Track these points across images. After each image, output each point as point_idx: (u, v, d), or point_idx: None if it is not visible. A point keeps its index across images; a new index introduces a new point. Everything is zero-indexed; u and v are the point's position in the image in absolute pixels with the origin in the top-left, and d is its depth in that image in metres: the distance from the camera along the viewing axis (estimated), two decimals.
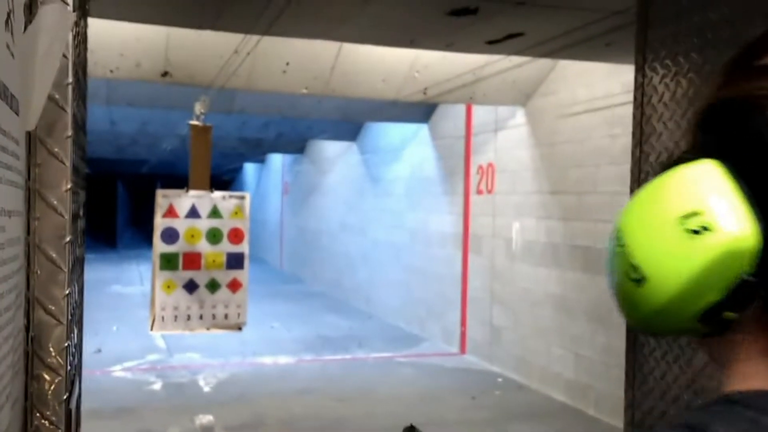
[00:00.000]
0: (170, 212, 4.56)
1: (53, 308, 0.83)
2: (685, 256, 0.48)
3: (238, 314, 4.76)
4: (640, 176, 2.01)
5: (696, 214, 0.48)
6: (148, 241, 4.61)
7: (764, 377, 0.51)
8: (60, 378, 0.84)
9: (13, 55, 0.63)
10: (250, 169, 20.58)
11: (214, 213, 4.67)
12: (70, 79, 0.85)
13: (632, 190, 2.03)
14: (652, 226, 0.50)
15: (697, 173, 0.49)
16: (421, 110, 8.46)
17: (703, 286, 0.48)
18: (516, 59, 5.52)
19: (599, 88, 5.65)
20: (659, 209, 0.51)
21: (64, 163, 0.83)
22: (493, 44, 4.62)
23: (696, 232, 0.48)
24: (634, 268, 0.51)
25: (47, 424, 0.83)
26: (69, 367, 0.89)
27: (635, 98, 2.07)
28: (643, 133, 1.98)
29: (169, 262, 4.55)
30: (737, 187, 0.48)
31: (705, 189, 0.48)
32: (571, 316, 5.96)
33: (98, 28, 4.84)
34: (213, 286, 4.66)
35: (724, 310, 0.49)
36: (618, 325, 4.82)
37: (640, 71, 2.05)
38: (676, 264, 0.48)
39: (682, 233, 0.48)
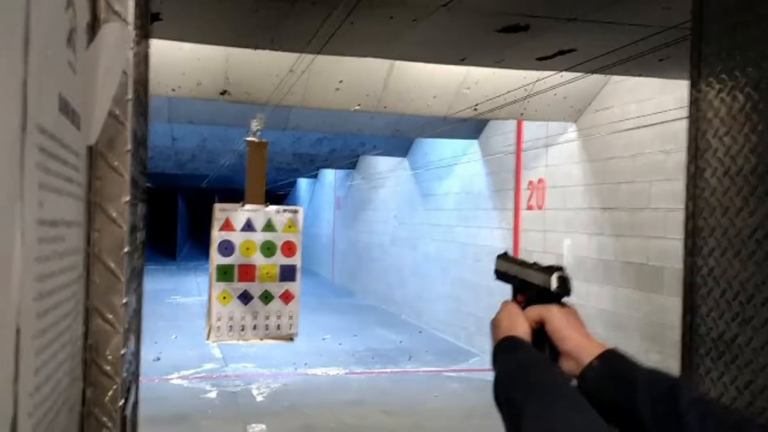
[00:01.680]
0: (227, 225, 4.74)
1: (111, 317, 0.85)
2: None
3: (291, 325, 4.90)
4: (695, 192, 1.97)
5: None
6: (205, 253, 4.80)
7: None
8: (116, 385, 0.85)
9: (75, 71, 0.65)
10: (303, 184, 20.93)
11: (269, 226, 4.83)
12: (130, 96, 0.87)
13: (687, 207, 2.02)
14: None
15: None
16: (472, 126, 8.51)
17: None
18: (567, 75, 5.53)
19: (652, 104, 5.60)
20: None
21: (123, 177, 0.85)
22: (543, 60, 4.65)
23: None
24: None
25: (103, 428, 0.84)
26: (125, 374, 0.91)
27: (690, 113, 2.02)
28: (698, 148, 1.93)
29: (225, 273, 4.72)
30: None
31: None
32: (624, 333, 5.89)
33: (162, 48, 5.10)
34: (266, 297, 4.81)
35: None
36: (672, 343, 4.76)
37: (695, 86, 2.00)
38: None
39: None
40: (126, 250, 0.84)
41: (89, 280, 0.82)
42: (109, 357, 0.84)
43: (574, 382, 0.93)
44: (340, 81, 5.78)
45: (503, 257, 1.21)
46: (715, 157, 1.75)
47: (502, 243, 8.10)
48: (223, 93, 5.66)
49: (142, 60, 1.24)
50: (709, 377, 1.78)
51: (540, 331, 1.02)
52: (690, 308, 1.76)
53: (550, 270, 1.05)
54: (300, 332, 4.93)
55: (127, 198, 0.85)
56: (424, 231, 10.68)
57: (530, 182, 7.58)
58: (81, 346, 0.80)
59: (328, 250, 17.24)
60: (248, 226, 4.79)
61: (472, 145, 9.09)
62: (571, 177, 6.78)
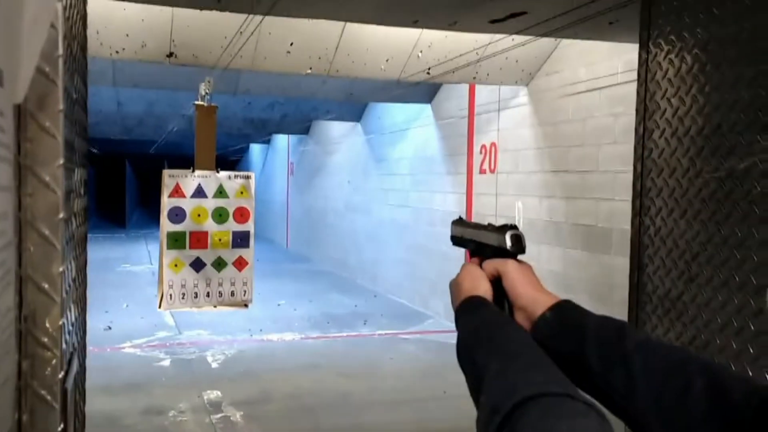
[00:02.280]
0: (177, 192, 4.64)
1: (47, 286, 0.81)
2: None
3: (245, 292, 4.86)
4: (644, 153, 2.01)
5: None
6: (156, 220, 4.71)
7: None
8: (55, 357, 0.82)
9: None
10: (255, 149, 20.64)
11: (220, 192, 4.74)
12: (61, 52, 0.81)
13: (635, 168, 2.05)
14: None
15: None
16: (425, 90, 8.48)
17: None
18: (519, 38, 5.53)
19: (601, 68, 5.67)
20: None
21: (55, 138, 0.80)
22: (496, 23, 4.64)
23: None
24: None
25: (42, 403, 0.81)
26: (65, 346, 0.87)
27: (639, 75, 2.04)
28: (647, 110, 1.96)
29: (176, 241, 4.64)
30: None
31: None
32: (573, 294, 6.03)
33: (104, 7, 4.90)
34: (219, 264, 4.75)
35: None
36: (619, 302, 4.90)
37: (644, 47, 2.01)
38: None
39: None
40: (61, 216, 0.79)
41: (22, 247, 0.78)
42: (47, 328, 0.80)
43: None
44: (291, 44, 5.67)
45: (458, 222, 1.22)
46: (663, 119, 1.78)
47: (455, 207, 8.17)
48: (170, 55, 5.48)
49: (77, 15, 1.17)
50: (655, 333, 1.84)
51: (497, 285, 1.03)
52: (637, 267, 1.80)
53: (503, 229, 1.06)
54: (255, 298, 4.89)
55: (61, 161, 0.80)
56: (378, 196, 10.68)
57: (483, 146, 7.62)
58: (14, 317, 0.75)
59: (282, 217, 17.12)
60: (199, 193, 4.70)
61: (425, 110, 9.07)
62: (522, 140, 6.85)
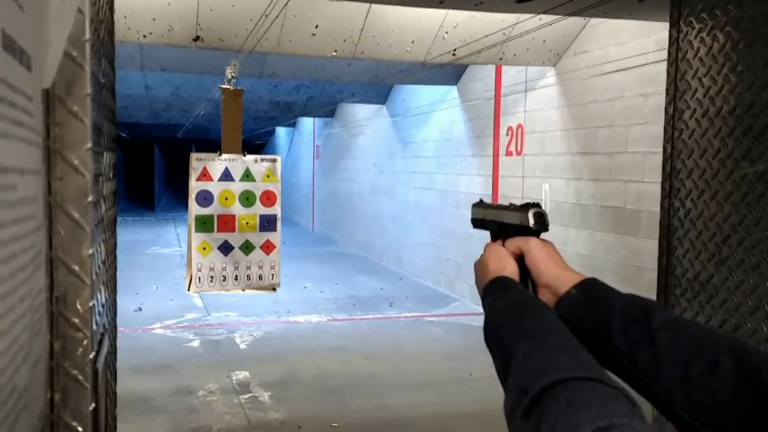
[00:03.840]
0: (204, 175, 4.68)
1: (77, 268, 0.82)
2: None
3: (272, 275, 4.91)
4: (674, 134, 1.96)
5: None
6: (184, 203, 4.76)
7: None
8: (86, 338, 0.83)
9: (22, 8, 0.60)
10: (281, 132, 20.71)
11: (247, 176, 4.78)
12: (88, 36, 0.81)
13: (665, 149, 2.01)
14: None
15: None
16: (451, 72, 8.41)
17: None
18: (546, 18, 5.45)
19: (631, 47, 5.56)
20: None
21: (84, 122, 0.81)
22: (522, 3, 4.57)
23: None
24: None
25: (73, 383, 0.83)
26: (95, 327, 0.88)
27: (669, 54, 1.99)
28: (677, 89, 1.91)
29: (204, 224, 4.69)
30: None
31: None
32: (600, 276, 5.96)
33: None
34: (247, 247, 4.80)
35: None
36: (648, 285, 4.85)
37: (675, 26, 1.96)
38: None
39: None
40: (90, 199, 0.81)
41: (52, 230, 0.79)
42: (78, 309, 0.81)
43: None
44: (316, 26, 5.65)
45: (479, 205, 1.21)
46: (694, 99, 1.74)
47: (481, 189, 8.12)
48: (196, 39, 5.51)
49: (104, 0, 1.18)
50: (685, 317, 1.82)
51: (520, 264, 1.03)
52: (666, 250, 1.78)
53: (526, 207, 1.05)
54: (281, 281, 4.94)
55: (89, 145, 0.81)
56: (403, 179, 10.66)
57: (509, 128, 7.55)
58: (45, 298, 0.77)
59: (308, 199, 17.20)
60: (226, 176, 4.74)
61: (450, 92, 9.00)
62: (550, 122, 6.76)
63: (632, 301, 0.89)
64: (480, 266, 1.06)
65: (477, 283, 1.07)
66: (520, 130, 7.34)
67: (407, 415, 4.85)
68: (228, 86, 4.67)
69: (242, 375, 5.64)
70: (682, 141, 1.74)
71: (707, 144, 1.69)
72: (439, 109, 9.41)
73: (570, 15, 4.93)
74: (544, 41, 6.26)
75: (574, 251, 6.33)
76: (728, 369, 0.75)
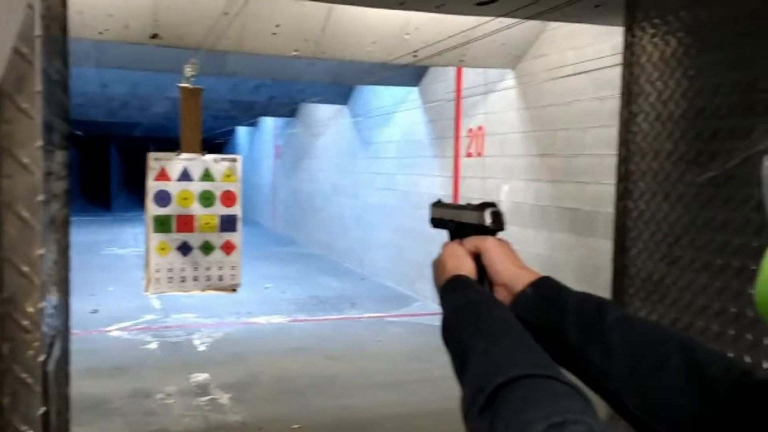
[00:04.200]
0: (162, 175, 4.61)
1: (27, 269, 0.79)
2: None
3: (233, 276, 4.86)
4: (628, 137, 2.02)
5: None
6: (142, 203, 4.67)
7: None
8: (36, 339, 0.80)
9: None
10: (242, 132, 20.52)
11: (207, 176, 4.72)
12: (39, 32, 0.78)
13: (619, 151, 2.05)
14: None
15: None
16: (412, 73, 8.45)
17: None
18: (506, 21, 5.51)
19: (588, 51, 5.67)
20: None
21: (34, 120, 0.78)
22: (482, 6, 4.62)
23: None
24: None
25: (23, 387, 0.80)
26: (46, 329, 0.85)
27: (624, 58, 2.04)
28: (631, 93, 1.97)
29: (162, 224, 4.62)
30: None
31: None
32: (559, 277, 6.04)
33: None
34: (207, 248, 4.74)
35: None
36: (604, 285, 4.94)
37: (629, 31, 2.02)
38: None
39: None
40: (40, 198, 0.78)
41: (1, 230, 0.76)
42: (28, 311, 0.79)
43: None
44: (277, 25, 5.61)
45: (437, 204, 1.22)
46: (648, 102, 1.78)
47: (442, 190, 8.18)
48: (154, 36, 5.42)
49: None
50: (636, 315, 1.86)
51: (477, 263, 1.03)
52: (621, 250, 1.82)
53: (483, 207, 1.06)
54: (242, 282, 4.90)
55: (40, 143, 0.78)
56: (365, 179, 10.67)
57: (470, 129, 7.62)
58: None
59: (269, 200, 17.07)
60: (185, 176, 4.68)
61: (412, 93, 9.04)
62: (509, 124, 6.85)
63: (586, 299, 0.91)
64: (437, 265, 1.07)
65: (435, 282, 1.07)
66: (480, 132, 7.42)
67: (369, 416, 4.85)
68: (187, 85, 4.61)
69: (201, 377, 5.57)
70: (635, 144, 1.78)
71: (660, 147, 1.74)
72: (400, 111, 9.44)
73: (528, 19, 5.01)
74: (503, 44, 6.34)
75: (534, 252, 6.42)
76: (676, 365, 0.77)
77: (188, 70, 4.68)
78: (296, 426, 4.59)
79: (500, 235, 1.08)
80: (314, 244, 13.15)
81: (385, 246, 9.88)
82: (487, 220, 1.05)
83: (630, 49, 1.88)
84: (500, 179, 7.01)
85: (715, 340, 1.66)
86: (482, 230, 1.06)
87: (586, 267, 5.67)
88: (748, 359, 1.63)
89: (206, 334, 6.95)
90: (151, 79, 9.81)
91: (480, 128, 7.41)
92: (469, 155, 7.64)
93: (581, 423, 0.58)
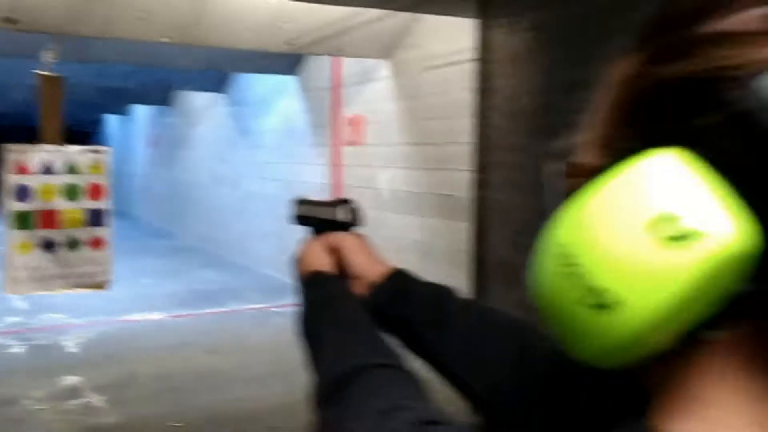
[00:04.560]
0: (21, 168, 4.34)
1: None
2: (668, 269, 0.38)
3: (102, 272, 4.65)
4: (482, 130, 2.16)
5: (671, 219, 0.38)
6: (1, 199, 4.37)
7: (731, 421, 0.40)
8: None
9: None
10: (113, 121, 19.49)
11: (71, 168, 4.48)
12: None
13: (476, 144, 2.17)
14: (616, 239, 0.39)
15: (660, 167, 0.39)
16: (290, 61, 8.39)
17: (692, 303, 0.38)
18: (379, 12, 5.61)
19: (458, 43, 5.87)
20: (625, 216, 0.39)
21: None
22: None
23: (676, 239, 0.38)
24: (597, 292, 0.40)
25: None
26: None
27: (478, 55, 2.17)
28: (485, 88, 2.10)
29: (23, 221, 4.35)
30: (717, 179, 0.38)
31: (678, 185, 0.38)
32: (433, 261, 6.30)
33: None
34: (73, 244, 4.51)
35: (709, 327, 0.40)
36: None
37: (481, 29, 2.15)
38: (657, 280, 0.38)
39: (656, 243, 0.38)
40: None
41: None
42: None
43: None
44: (145, 11, 5.39)
45: (300, 201, 1.25)
46: (500, 97, 1.91)
47: (324, 179, 8.21)
48: (7, 20, 5.04)
49: None
50: (493, 298, 2.00)
51: (335, 258, 1.08)
52: (479, 237, 1.94)
53: (339, 203, 1.11)
54: (116, 278, 4.70)
55: None
56: (245, 169, 10.49)
57: (349, 118, 7.69)
58: None
59: (144, 191, 16.38)
60: (47, 169, 4.42)
61: (291, 81, 8.98)
62: (386, 113, 6.98)
63: (431, 287, 0.96)
64: (297, 261, 1.11)
65: (295, 278, 1.11)
66: (360, 121, 7.50)
67: (254, 407, 4.83)
68: (45, 72, 4.34)
69: (73, 380, 5.31)
70: (489, 137, 1.90)
71: (512, 139, 1.86)
72: (279, 99, 9.35)
73: (399, 10, 5.13)
74: (378, 34, 6.44)
75: (412, 237, 6.61)
76: (506, 350, 0.83)
77: (47, 57, 4.41)
78: (178, 424, 4.49)
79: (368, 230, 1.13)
80: (193, 237, 12.78)
81: (267, 236, 9.78)
82: (343, 216, 1.10)
83: (484, 46, 2.01)
84: (380, 167, 7.14)
85: None
86: (339, 226, 1.10)
87: (457, 251, 5.90)
88: None
89: (78, 334, 6.61)
90: (8, 65, 9.11)
91: (359, 117, 7.49)
92: (349, 144, 7.71)
93: (408, 409, 0.62)
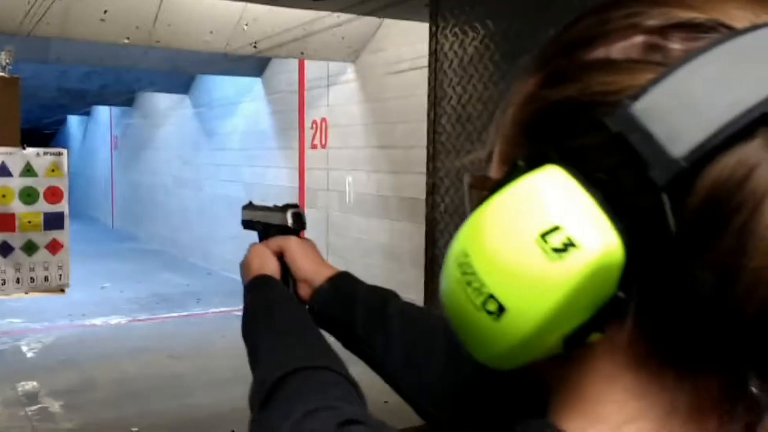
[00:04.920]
0: None
1: None
2: (550, 278, 0.40)
3: (60, 276, 4.57)
4: (434, 136, 2.20)
5: (556, 229, 0.40)
6: None
7: (615, 417, 0.44)
8: None
9: None
10: (74, 121, 19.14)
11: (28, 171, 4.40)
12: None
13: (428, 150, 2.21)
14: (506, 248, 0.42)
15: (547, 182, 0.42)
16: (254, 64, 8.35)
17: (572, 309, 0.41)
18: (344, 16, 5.62)
19: (421, 47, 5.90)
20: (511, 227, 0.42)
21: None
22: (318, 0, 4.68)
23: (559, 250, 0.40)
24: (490, 298, 0.43)
25: None
26: None
27: (429, 63, 2.22)
28: (436, 96, 2.15)
29: None
30: (592, 195, 0.41)
31: (561, 199, 0.41)
32: (399, 263, 6.34)
33: None
34: (30, 248, 4.43)
35: (590, 331, 0.42)
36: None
37: (433, 38, 2.20)
38: (540, 288, 0.41)
39: (542, 252, 0.41)
40: None
41: None
42: None
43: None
44: (105, 11, 5.33)
45: (247, 207, 1.27)
46: (450, 105, 1.95)
47: (288, 182, 8.19)
48: None
49: None
50: (416, 305, 2.05)
51: (281, 262, 1.09)
52: (431, 241, 1.98)
53: (286, 208, 1.13)
54: (75, 281, 4.62)
55: None
56: (209, 171, 10.40)
57: (314, 121, 7.68)
58: None
59: (106, 194, 16.11)
60: (3, 171, 4.33)
61: (256, 83, 8.94)
62: (351, 116, 7.00)
63: (373, 291, 0.99)
64: (244, 266, 1.12)
65: (243, 281, 1.12)
66: (324, 124, 7.51)
67: (215, 412, 4.79)
68: (2, 73, 4.26)
69: (29, 385, 5.21)
70: (441, 143, 1.94)
71: (460, 146, 1.91)
72: (244, 101, 9.30)
73: (364, 14, 5.15)
74: (343, 38, 6.46)
75: (377, 240, 6.64)
76: (440, 351, 0.86)
77: (3, 58, 4.33)
78: (134, 429, 4.44)
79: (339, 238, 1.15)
80: (156, 240, 12.62)
81: (231, 239, 9.71)
82: (290, 220, 1.12)
83: (435, 55, 2.05)
84: (344, 170, 7.15)
85: None
86: (285, 230, 1.13)
87: (423, 254, 5.95)
88: None
89: (35, 339, 6.48)
90: None
91: (324, 120, 7.50)
92: (313, 147, 7.71)
93: (333, 408, 0.63)
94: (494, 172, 0.50)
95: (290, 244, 1.09)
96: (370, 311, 0.94)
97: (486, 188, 0.47)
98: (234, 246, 9.70)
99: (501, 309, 0.42)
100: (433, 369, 0.86)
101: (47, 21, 5.10)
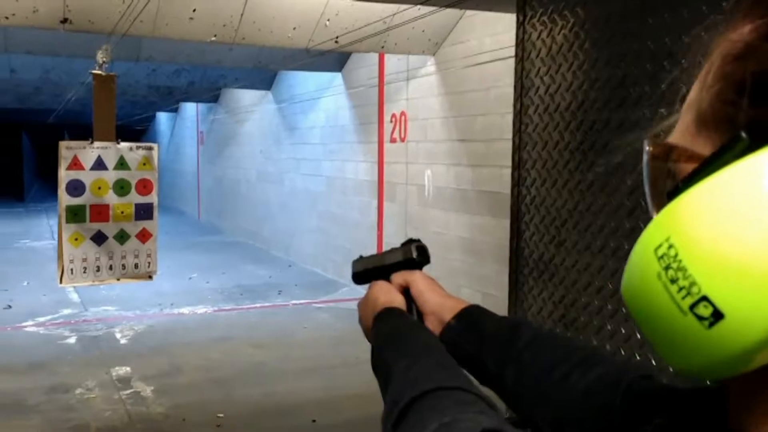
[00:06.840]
0: (75, 164, 4.48)
1: None
2: None
3: (149, 263, 4.78)
4: (521, 127, 2.15)
5: None
6: (56, 193, 4.53)
7: None
8: None
9: None
10: (163, 118, 19.96)
11: (122, 164, 4.61)
12: None
13: (513, 141, 2.16)
14: (733, 244, 0.35)
15: None
16: (335, 59, 8.44)
17: None
18: (425, 9, 5.59)
19: (505, 38, 5.82)
20: (742, 218, 0.35)
21: None
22: None
23: None
24: (701, 300, 0.37)
25: None
26: None
27: (516, 54, 2.17)
28: (523, 86, 2.10)
29: (75, 214, 4.50)
30: None
31: None
32: (479, 258, 6.27)
33: None
34: (122, 237, 4.65)
35: None
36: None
37: (520, 27, 2.15)
38: None
39: None
40: None
41: None
42: None
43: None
44: (194, 10, 5.51)
45: (357, 260, 1.26)
46: (537, 95, 1.89)
47: (367, 176, 8.24)
48: (64, 21, 5.22)
49: None
50: (532, 294, 1.98)
51: (406, 295, 1.08)
52: (516, 233, 1.93)
53: (409, 243, 1.12)
54: (164, 272, 4.83)
55: None
56: (290, 165, 10.61)
57: (393, 115, 7.69)
58: None
59: (193, 187, 16.72)
60: (99, 165, 4.56)
61: (336, 78, 9.04)
62: (431, 109, 6.96)
63: (501, 324, 0.95)
64: (367, 302, 1.09)
65: (362, 321, 1.09)
66: (403, 118, 7.50)
67: (294, 401, 4.89)
68: (99, 71, 4.47)
69: (123, 370, 5.47)
70: (528, 134, 1.89)
71: (548, 137, 1.85)
72: (324, 96, 9.43)
73: (446, 6, 5.11)
74: (423, 31, 6.43)
75: (456, 234, 6.59)
76: (575, 381, 0.81)
77: (100, 57, 4.54)
78: (220, 415, 4.58)
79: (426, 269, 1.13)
80: (240, 232, 13.00)
81: (311, 232, 9.88)
82: (414, 253, 1.11)
83: (521, 45, 1.99)
84: (423, 164, 7.13)
85: (597, 315, 1.79)
86: (409, 265, 1.11)
87: (504, 248, 5.85)
88: (623, 331, 1.78)
89: (128, 326, 6.80)
90: (64, 64, 9.43)
91: (403, 113, 7.50)
92: (392, 140, 7.72)
93: (468, 419, 0.60)
94: (686, 138, 0.41)
95: (416, 277, 1.07)
96: (499, 346, 0.91)
97: (680, 161, 0.39)
98: (313, 239, 9.88)
99: (717, 315, 0.36)
100: (567, 402, 0.81)
101: (140, 21, 5.31)
